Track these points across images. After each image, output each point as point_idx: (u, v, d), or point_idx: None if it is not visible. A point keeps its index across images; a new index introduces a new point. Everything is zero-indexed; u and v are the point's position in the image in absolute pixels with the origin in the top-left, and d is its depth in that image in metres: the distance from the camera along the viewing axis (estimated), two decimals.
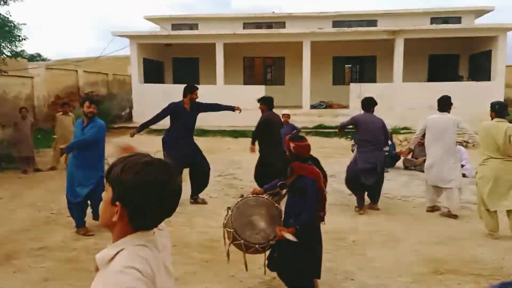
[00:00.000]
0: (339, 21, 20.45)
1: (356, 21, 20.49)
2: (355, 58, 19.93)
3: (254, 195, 4.04)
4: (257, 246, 3.78)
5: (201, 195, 7.16)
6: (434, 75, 18.57)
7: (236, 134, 14.12)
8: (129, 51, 17.59)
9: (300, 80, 16.87)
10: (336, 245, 5.22)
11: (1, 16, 9.12)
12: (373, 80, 18.95)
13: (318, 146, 11.83)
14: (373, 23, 20.27)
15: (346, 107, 16.73)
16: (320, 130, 15.11)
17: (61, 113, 10.03)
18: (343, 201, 7.18)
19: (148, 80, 17.74)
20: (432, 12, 20.67)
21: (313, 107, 17.11)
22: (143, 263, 1.31)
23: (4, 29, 9.11)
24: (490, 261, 4.73)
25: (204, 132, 13.84)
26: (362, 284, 4.24)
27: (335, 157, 11.56)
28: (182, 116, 6.82)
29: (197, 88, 6.94)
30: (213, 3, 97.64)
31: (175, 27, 21.25)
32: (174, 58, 20.15)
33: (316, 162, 3.92)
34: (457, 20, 20.33)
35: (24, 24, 9.55)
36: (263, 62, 20.79)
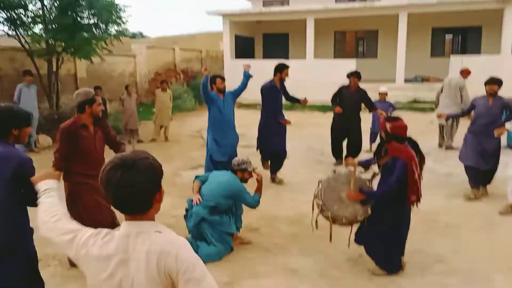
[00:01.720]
0: None
1: None
2: (457, 29, 18.44)
3: (346, 172, 4.10)
4: (343, 220, 3.87)
5: (288, 172, 7.26)
6: None
7: (325, 108, 13.98)
8: (221, 28, 18.11)
9: (394, 53, 16.11)
10: (428, 227, 5.08)
11: (109, 1, 9.89)
12: (477, 52, 17.46)
13: (411, 123, 11.30)
14: None
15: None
16: (415, 106, 14.41)
17: (160, 89, 10.74)
18: (438, 181, 6.85)
19: (239, 55, 18.15)
20: None
21: (407, 81, 16.30)
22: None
23: (111, 12, 9.87)
24: None
25: (292, 106, 13.86)
26: (454, 268, 4.11)
27: (429, 134, 10.99)
28: (274, 95, 6.87)
29: (287, 67, 6.85)
30: None
31: (266, 3, 21.34)
32: (265, 34, 20.32)
33: (414, 144, 3.85)
34: None
35: (129, 6, 10.24)
36: (355, 35, 20.13)
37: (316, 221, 4.07)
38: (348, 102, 7.64)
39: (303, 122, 12.43)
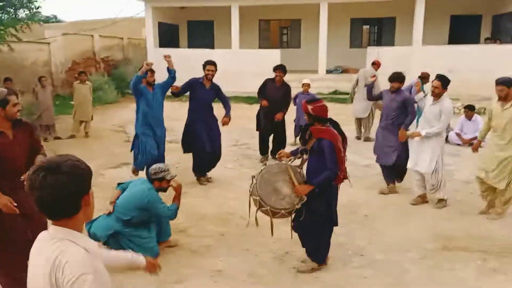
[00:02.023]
0: None
1: None
2: (373, 20, 19.39)
3: (276, 163, 4.15)
4: (283, 211, 3.91)
5: (215, 167, 7.07)
6: (455, 37, 18.03)
7: (251, 100, 14.09)
8: (144, 14, 17.46)
9: (316, 43, 16.57)
10: (348, 219, 5.33)
11: None
12: (391, 42, 18.50)
13: (333, 113, 11.71)
14: None
15: None
16: (336, 96, 14.99)
17: (78, 81, 10.16)
18: (356, 172, 7.19)
19: (163, 44, 17.66)
20: None
21: (329, 71, 16.88)
22: None
23: None
24: (500, 238, 4.81)
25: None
26: (372, 260, 4.38)
27: (351, 125, 11.49)
28: (198, 93, 6.62)
29: (209, 63, 6.55)
30: None
31: None
32: (189, 21, 19.91)
33: (335, 125, 3.99)
34: None
35: None
36: (279, 24, 20.41)
37: (256, 218, 4.06)
38: (272, 96, 7.62)
39: None
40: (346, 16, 18.67)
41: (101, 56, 17.82)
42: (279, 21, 20.17)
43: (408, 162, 5.94)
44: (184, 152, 6.93)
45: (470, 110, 9.24)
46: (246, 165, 7.76)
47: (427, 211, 5.63)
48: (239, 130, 10.48)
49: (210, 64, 6.57)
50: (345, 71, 17.19)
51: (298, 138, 9.19)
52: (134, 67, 18.14)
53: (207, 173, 6.96)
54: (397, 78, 6.12)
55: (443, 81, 5.42)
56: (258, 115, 8.03)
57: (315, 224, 4.03)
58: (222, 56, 16.37)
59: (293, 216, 4.08)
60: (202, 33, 19.73)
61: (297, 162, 4.29)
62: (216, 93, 6.81)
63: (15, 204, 3.36)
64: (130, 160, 7.89)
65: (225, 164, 7.69)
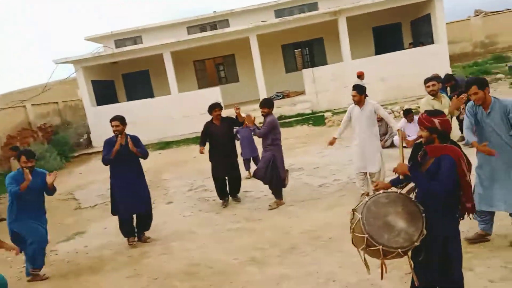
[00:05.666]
0: (281, 10, 20.61)
1: (297, 7, 20.67)
2: (303, 43, 20.07)
3: (383, 192, 3.38)
4: (399, 250, 3.13)
5: (172, 218, 6.90)
6: (380, 46, 18.97)
7: (199, 140, 13.98)
8: (75, 75, 17.14)
9: (253, 74, 16.86)
10: (313, 245, 5.28)
11: None
12: (324, 61, 19.18)
13: (284, 137, 11.85)
14: (313, 6, 20.44)
15: (302, 93, 16.91)
16: (281, 121, 15.18)
17: (13, 158, 9.70)
18: (313, 195, 7.23)
19: (101, 101, 17.32)
20: None
21: None
22: None
23: None
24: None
25: (168, 144, 13.66)
26: (344, 284, 4.31)
27: (299, 148, 11.68)
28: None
29: (115, 119, 6.16)
30: (156, 10, 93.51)
31: (118, 43, 20.80)
32: (124, 74, 19.75)
33: (457, 146, 3.30)
34: None
35: None
36: (213, 62, 20.67)
37: (365, 259, 3.39)
38: (218, 137, 7.34)
39: (179, 158, 12.27)
40: (276, 43, 19.22)
41: (38, 125, 17.17)
42: (213, 59, 20.44)
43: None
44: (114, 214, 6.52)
45: (408, 113, 9.44)
46: (204, 209, 7.56)
47: None
48: (193, 173, 10.33)
49: (115, 120, 6.15)
50: (286, 96, 17.55)
51: (250, 172, 9.11)
52: (74, 129, 17.65)
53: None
54: (265, 103, 6.85)
55: (359, 89, 6.30)
56: (211, 161, 7.60)
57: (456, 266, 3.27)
58: (163, 103, 16.32)
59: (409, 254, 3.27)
60: (139, 83, 19.59)
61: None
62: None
63: None
64: (84, 228, 7.56)
65: (182, 213, 7.48)
